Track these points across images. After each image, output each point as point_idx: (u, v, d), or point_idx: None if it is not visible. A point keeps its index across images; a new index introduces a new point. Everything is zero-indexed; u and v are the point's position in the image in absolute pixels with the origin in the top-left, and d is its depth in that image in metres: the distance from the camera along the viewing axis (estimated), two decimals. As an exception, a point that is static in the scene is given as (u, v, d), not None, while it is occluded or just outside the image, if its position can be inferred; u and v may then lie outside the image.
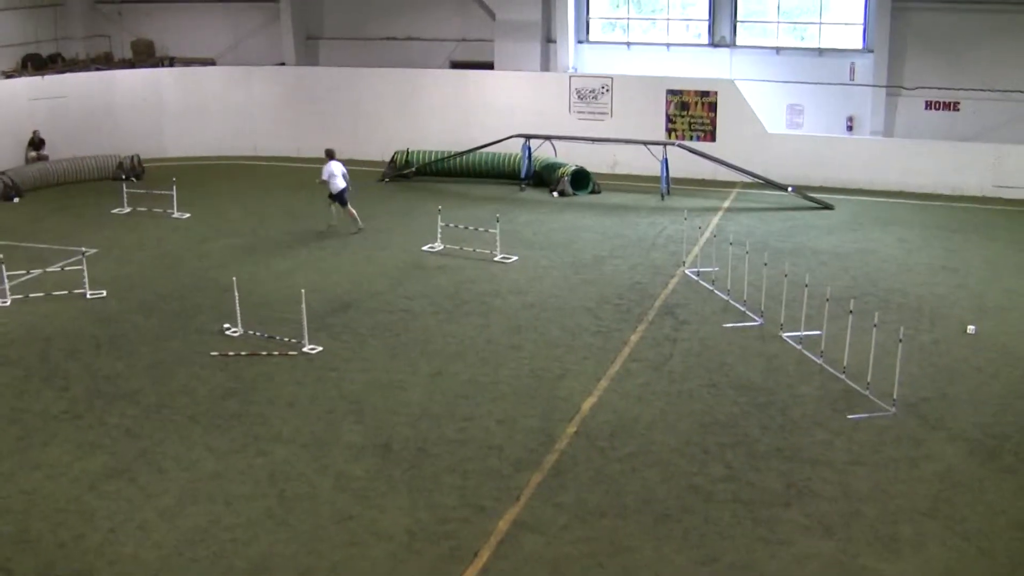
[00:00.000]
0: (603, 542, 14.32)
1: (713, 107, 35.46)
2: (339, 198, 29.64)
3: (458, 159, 35.80)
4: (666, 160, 33.28)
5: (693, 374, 19.69)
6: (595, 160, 34.97)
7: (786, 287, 22.07)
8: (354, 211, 29.69)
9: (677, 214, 30.09)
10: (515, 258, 26.78)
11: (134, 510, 15.41)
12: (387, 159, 36.95)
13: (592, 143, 34.82)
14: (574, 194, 33.63)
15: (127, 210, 32.28)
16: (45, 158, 37.07)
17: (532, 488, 15.71)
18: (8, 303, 24.01)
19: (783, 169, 33.70)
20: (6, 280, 24.39)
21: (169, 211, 31.89)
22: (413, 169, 36.14)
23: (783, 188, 32.71)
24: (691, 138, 35.46)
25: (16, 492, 16.00)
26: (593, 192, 33.94)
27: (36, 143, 37.36)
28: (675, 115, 35.91)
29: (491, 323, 22.41)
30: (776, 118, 36.28)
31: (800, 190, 32.59)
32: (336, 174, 29.43)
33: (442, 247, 27.73)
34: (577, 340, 21.40)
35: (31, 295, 24.34)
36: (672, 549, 14.10)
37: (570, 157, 34.71)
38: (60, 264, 26.34)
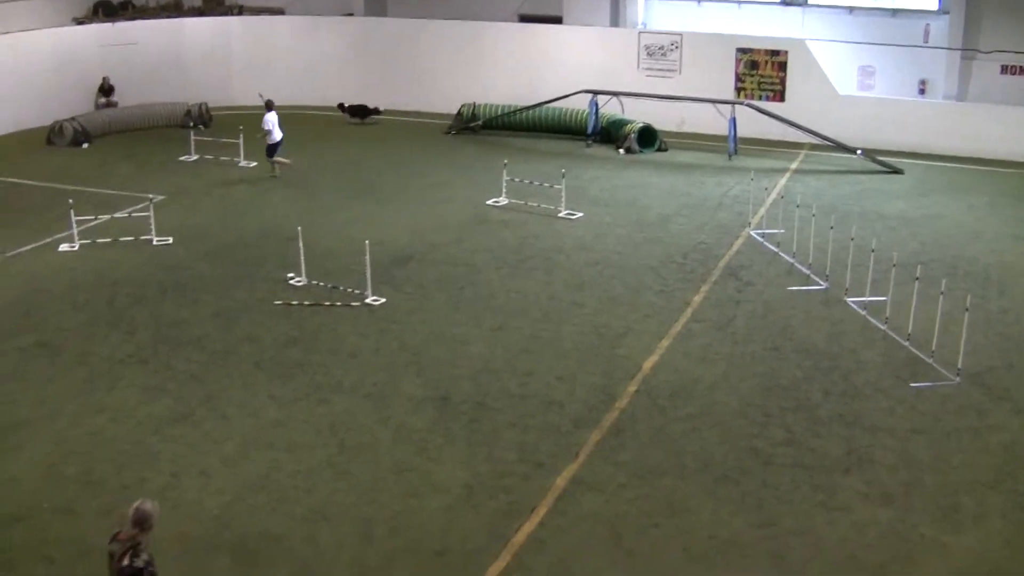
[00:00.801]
0: (660, 502, 14.33)
1: (783, 67, 35.08)
2: (271, 150, 30.29)
3: (525, 114, 35.66)
4: (734, 119, 32.98)
5: (756, 336, 19.59)
6: (662, 118, 34.68)
7: (852, 251, 21.84)
8: (281, 159, 30.60)
9: (744, 174, 29.84)
10: (580, 214, 26.70)
11: (197, 455, 15.60)
12: (453, 112, 36.88)
13: (660, 100, 34.56)
14: (640, 151, 33.45)
15: (194, 158, 32.48)
16: (114, 104, 37.35)
17: (591, 446, 15.73)
18: (77, 248, 24.27)
19: (852, 132, 33.27)
20: (75, 225, 24.62)
21: (236, 159, 32.04)
22: (479, 123, 36.06)
23: (852, 151, 32.34)
24: (760, 98, 35.11)
25: (82, 434, 16.24)
26: (660, 150, 33.73)
27: (106, 89, 37.64)
28: (744, 74, 35.56)
29: (554, 279, 22.39)
30: (847, 79, 35.80)
31: (869, 153, 32.19)
32: (275, 123, 30.05)
33: (507, 202, 27.69)
34: (640, 298, 21.34)
35: (99, 240, 24.59)
36: (729, 512, 14.08)
37: (637, 114, 34.46)
38: (128, 210, 26.56)
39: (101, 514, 14.14)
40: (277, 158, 30.25)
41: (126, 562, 9.94)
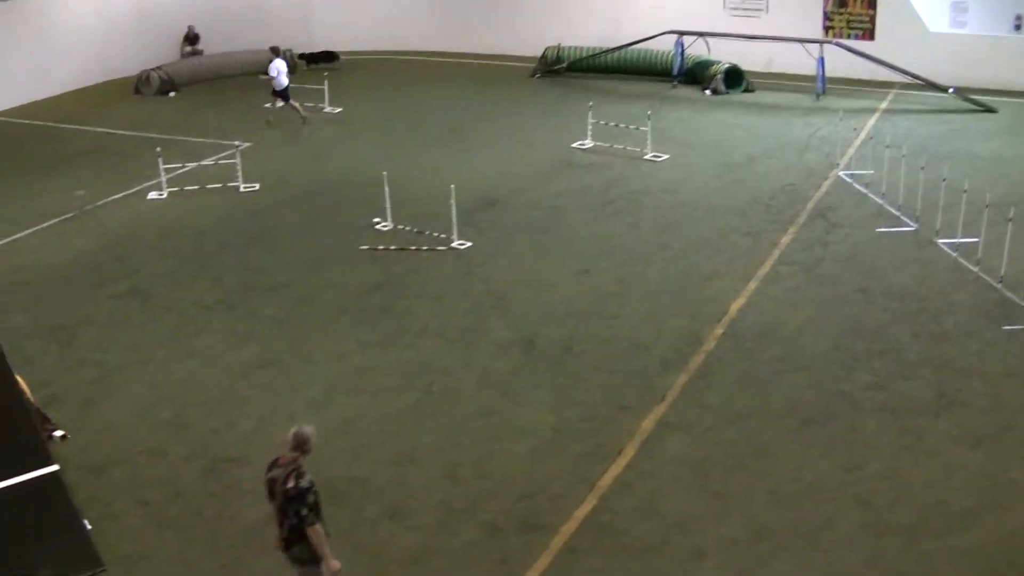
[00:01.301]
0: (747, 444, 14.28)
1: (872, 4, 34.43)
2: (283, 95, 30.27)
3: (609, 55, 35.41)
4: (822, 59, 32.50)
5: (844, 279, 19.38)
6: (749, 58, 34.23)
7: (943, 192, 21.48)
8: (296, 104, 30.47)
9: (832, 115, 29.41)
10: (666, 156, 26.52)
11: (283, 399, 15.81)
12: (538, 55, 36.72)
13: (746, 40, 34.12)
14: (727, 92, 33.12)
15: (279, 104, 32.63)
16: (200, 53, 37.65)
17: (678, 388, 15.71)
18: (165, 196, 24.59)
19: (944, 70, 32.58)
20: (163, 173, 24.92)
21: (321, 105, 32.18)
22: (564, 65, 35.88)
23: (944, 90, 31.73)
24: (849, 36, 34.51)
25: (172, 379, 16.52)
26: (746, 91, 33.37)
27: (191, 38, 37.95)
28: (832, 12, 34.97)
29: (640, 222, 22.30)
30: (938, 16, 35.05)
31: (961, 92, 31.58)
32: (282, 71, 30.11)
33: (592, 144, 27.57)
34: (727, 241, 21.19)
35: (187, 188, 24.88)
36: (816, 454, 14.01)
37: (723, 55, 34.08)
38: (214, 158, 26.84)
39: (192, 457, 14.42)
40: (293, 103, 30.38)
41: (291, 484, 10.25)
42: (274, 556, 12.27)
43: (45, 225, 23.24)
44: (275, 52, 30.73)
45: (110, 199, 24.69)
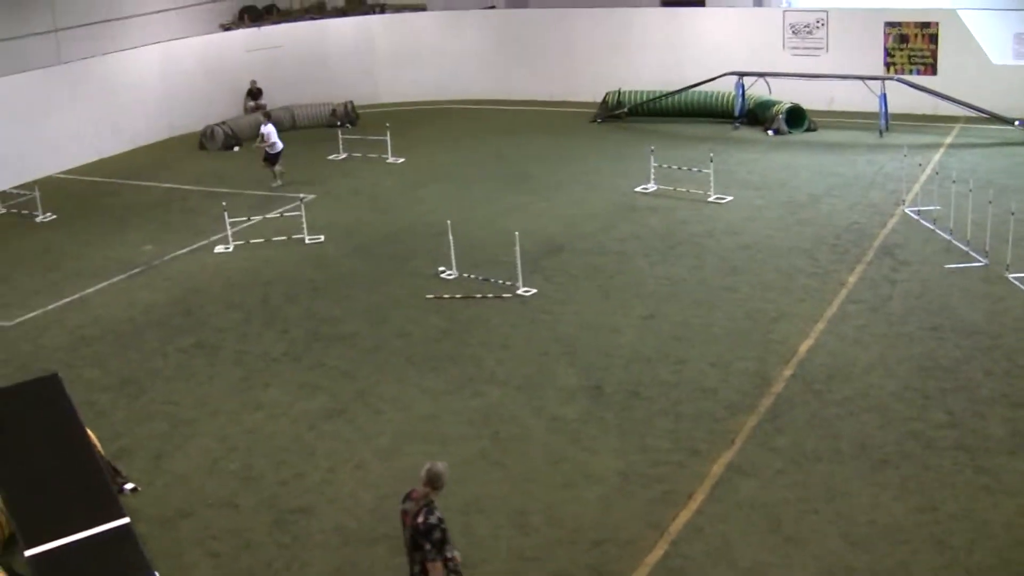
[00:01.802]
0: (819, 487, 14.10)
1: (934, 39, 34.21)
2: (276, 158, 30.25)
3: (670, 98, 35.41)
4: (884, 95, 32.30)
5: (913, 316, 19.16)
6: (810, 97, 34.10)
7: (1013, 226, 21.24)
8: (280, 168, 30.48)
9: (897, 151, 29.16)
10: (729, 198, 26.42)
11: (352, 450, 15.83)
12: (598, 100, 36.78)
13: (807, 79, 34.00)
14: (789, 132, 32.98)
15: (343, 156, 32.97)
16: (263, 107, 38.04)
17: (747, 432, 15.57)
18: (231, 249, 24.81)
19: (1009, 102, 32.27)
20: (229, 227, 25.16)
21: (383, 156, 32.40)
22: (625, 110, 35.91)
23: (1009, 122, 31.42)
24: (911, 72, 34.30)
25: (240, 431, 16.61)
26: (809, 130, 33.21)
27: (254, 93, 38.43)
28: (894, 48, 34.77)
29: (705, 264, 22.20)
30: (1002, 48, 34.71)
31: (1027, 124, 31.31)
32: (275, 135, 30.27)
33: (655, 188, 27.52)
34: (793, 282, 21.03)
35: (252, 241, 25.09)
36: (890, 496, 13.80)
37: (784, 94, 33.96)
38: (279, 210, 27.07)
39: (261, 508, 14.46)
40: (278, 167, 30.43)
41: (421, 519, 10.58)
42: (344, 608, 12.29)
43: (114, 280, 23.53)
44: (267, 116, 31.38)
45: (177, 253, 24.96)
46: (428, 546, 10.55)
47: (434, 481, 10.67)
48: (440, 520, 10.60)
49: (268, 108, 36.43)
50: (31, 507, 13.29)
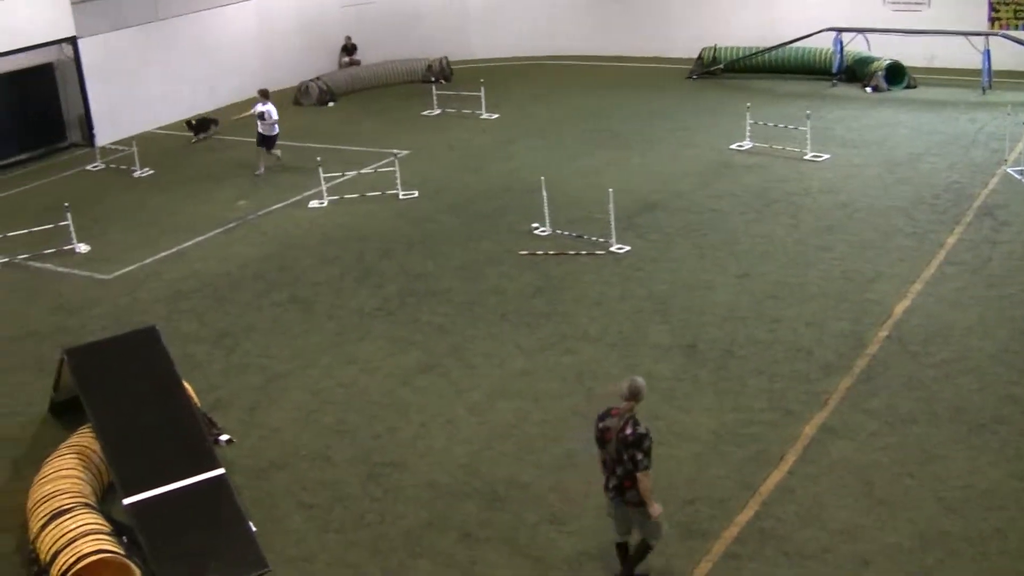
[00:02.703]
0: (913, 450, 13.93)
1: (1041, -6, 33.46)
2: (272, 142, 28.22)
3: (767, 55, 34.98)
4: (988, 52, 31.61)
5: (1013, 279, 18.80)
6: (910, 53, 33.47)
7: (1118, 187, 20.79)
8: (278, 152, 28.50)
9: (999, 109, 28.58)
10: (826, 156, 26.07)
11: (445, 405, 15.91)
12: (694, 56, 36.45)
13: (908, 36, 33.40)
14: (888, 89, 32.45)
15: (436, 112, 33.01)
16: (357, 63, 38.26)
17: (841, 393, 15.41)
18: (325, 204, 25.01)
19: (1119, 59, 31.53)
20: (323, 182, 25.31)
21: (477, 112, 32.39)
22: (720, 66, 35.56)
23: (1117, 80, 30.71)
24: (1016, 27, 33.55)
25: (335, 385, 16.77)
26: (908, 87, 32.64)
27: (349, 49, 38.61)
28: (999, 3, 34.03)
29: (801, 223, 21.95)
30: (1111, 5, 33.91)
31: None
32: (275, 116, 28.02)
33: (751, 145, 27.25)
34: (890, 241, 20.73)
35: (346, 196, 25.23)
36: (986, 461, 13.59)
37: (884, 51, 33.42)
38: (373, 166, 27.20)
39: (354, 462, 14.61)
40: (276, 151, 28.46)
41: (630, 431, 11.07)
42: (434, 560, 12.40)
43: (210, 234, 23.83)
44: (264, 95, 28.34)
45: (272, 208, 25.20)
46: (640, 455, 11.00)
47: (636, 394, 11.13)
48: (648, 430, 11.11)
49: (362, 63, 36.62)
50: (129, 456, 13.56)
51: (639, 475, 11.05)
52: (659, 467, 13.80)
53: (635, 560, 11.77)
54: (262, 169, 28.26)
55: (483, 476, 14.08)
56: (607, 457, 11.33)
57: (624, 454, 11.07)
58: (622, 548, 11.81)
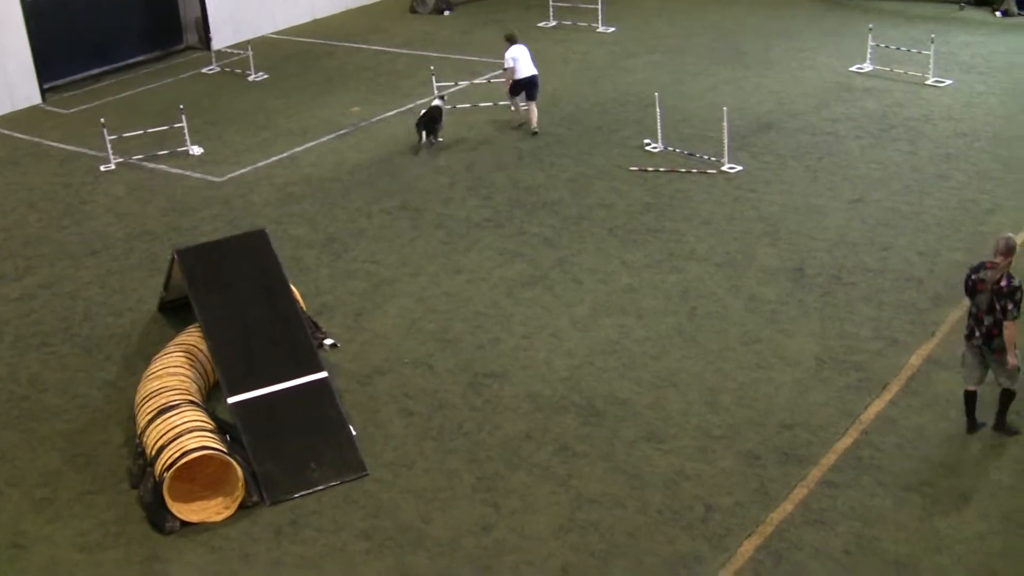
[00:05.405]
0: (1021, 384, 13.66)
1: None
2: (517, 88, 23.83)
3: (894, -24, 34.15)
4: None
5: None
6: (1046, -22, 32.48)
7: None
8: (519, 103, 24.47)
9: None
10: (949, 82, 25.42)
11: (549, 317, 15.95)
12: (818, -25, 35.69)
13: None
14: (1019, 14, 31.51)
15: (552, 23, 32.72)
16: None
17: (949, 324, 15.16)
18: (438, 112, 24.98)
19: None
20: (436, 90, 25.28)
21: (594, 25, 32.06)
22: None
23: None
24: None
25: (440, 294, 16.87)
26: (1041, 13, 31.74)
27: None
28: None
29: (919, 150, 21.49)
30: None
31: None
32: (520, 59, 23.51)
33: (871, 68, 26.65)
34: (1012, 173, 20.19)
35: (459, 106, 25.16)
36: (1099, 401, 13.33)
37: (1017, -25, 32.43)
38: (486, 76, 27.07)
39: (456, 371, 14.74)
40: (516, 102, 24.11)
41: (1004, 283, 12.06)
42: (531, 471, 12.49)
43: (322, 140, 24.00)
44: (510, 39, 23.91)
45: (385, 115, 25.26)
46: (1011, 306, 11.98)
47: (1011, 250, 12.05)
48: (1021, 284, 11.99)
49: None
50: (235, 357, 13.80)
51: (1006, 323, 12.06)
52: (758, 390, 13.85)
53: (1002, 408, 12.73)
54: (522, 120, 24.19)
55: (583, 390, 14.12)
56: (975, 308, 12.31)
57: (997, 304, 12.04)
58: (971, 397, 12.79)
